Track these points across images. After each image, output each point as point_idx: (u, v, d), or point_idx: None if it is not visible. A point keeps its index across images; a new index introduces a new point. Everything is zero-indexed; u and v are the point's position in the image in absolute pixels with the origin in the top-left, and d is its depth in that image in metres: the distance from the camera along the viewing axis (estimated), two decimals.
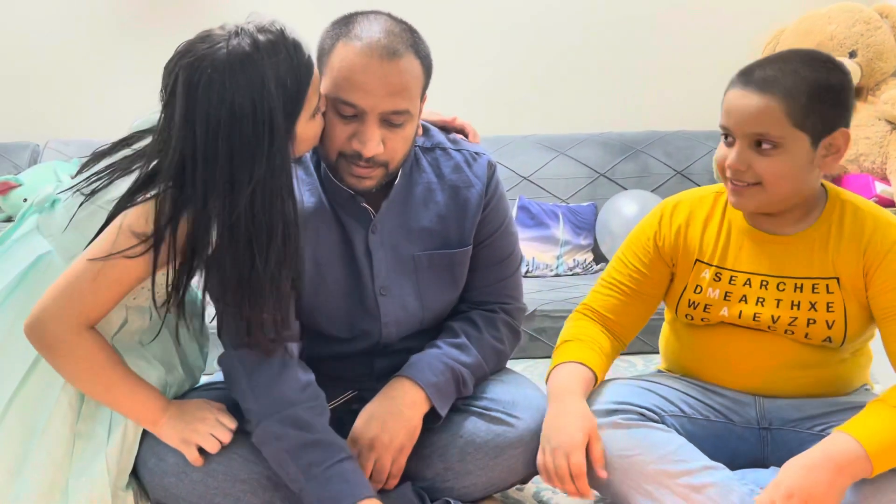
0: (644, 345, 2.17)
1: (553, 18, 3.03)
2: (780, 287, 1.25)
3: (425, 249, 1.30)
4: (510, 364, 1.45)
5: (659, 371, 1.45)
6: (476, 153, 1.34)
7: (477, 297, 1.37)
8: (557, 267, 2.73)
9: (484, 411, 1.29)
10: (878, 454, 1.09)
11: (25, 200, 2.48)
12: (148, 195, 1.09)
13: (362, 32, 1.15)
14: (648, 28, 3.04)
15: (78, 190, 1.15)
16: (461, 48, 3.00)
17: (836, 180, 2.74)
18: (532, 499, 1.46)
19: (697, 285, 1.30)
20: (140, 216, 1.08)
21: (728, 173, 1.20)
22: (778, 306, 1.25)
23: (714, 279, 1.28)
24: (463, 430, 1.26)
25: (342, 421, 1.36)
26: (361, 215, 1.26)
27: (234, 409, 1.22)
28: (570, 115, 3.05)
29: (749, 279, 1.27)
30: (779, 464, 1.22)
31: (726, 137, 1.21)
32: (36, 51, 2.83)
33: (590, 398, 1.26)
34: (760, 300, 1.26)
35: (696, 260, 1.30)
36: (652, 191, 2.84)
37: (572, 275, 2.73)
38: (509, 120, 3.03)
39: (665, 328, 1.45)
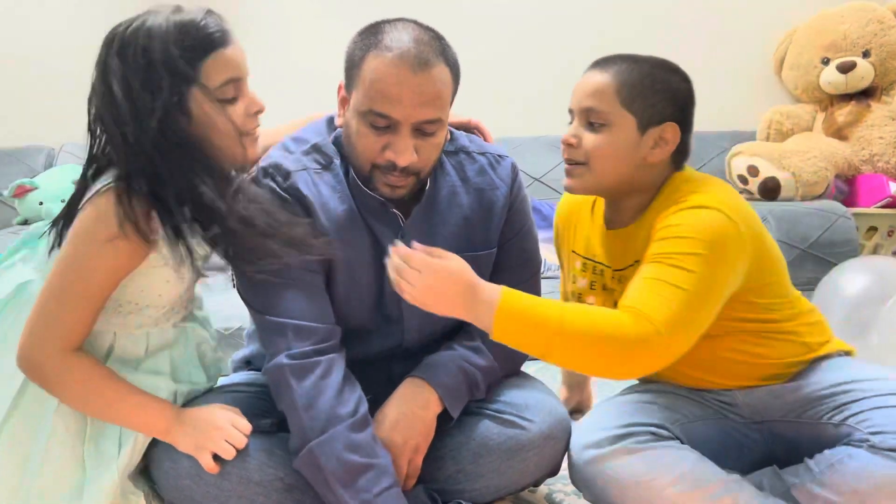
0: None
1: (565, 18, 3.03)
2: (622, 280, 1.28)
3: (453, 252, 1.29)
4: (524, 366, 1.45)
5: (639, 381, 1.42)
6: (500, 156, 1.35)
7: None
8: None
9: (497, 414, 1.29)
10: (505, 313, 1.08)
11: (41, 203, 2.51)
12: (88, 196, 1.10)
13: (392, 43, 1.15)
14: (661, 28, 3.03)
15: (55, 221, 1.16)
16: (473, 48, 2.99)
17: (851, 181, 2.73)
18: (544, 500, 1.46)
19: (573, 275, 1.38)
20: (89, 219, 1.09)
21: (563, 152, 1.26)
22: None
23: (582, 269, 1.36)
24: (476, 433, 1.27)
25: None
26: (391, 221, 1.26)
27: (247, 411, 1.23)
28: None
29: (603, 270, 1.33)
30: (787, 459, 1.23)
31: (570, 123, 1.28)
32: (51, 55, 2.86)
33: (594, 422, 1.24)
34: (616, 291, 1.29)
35: (571, 251, 1.40)
36: None
37: None
38: (521, 121, 3.03)
39: None
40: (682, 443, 1.21)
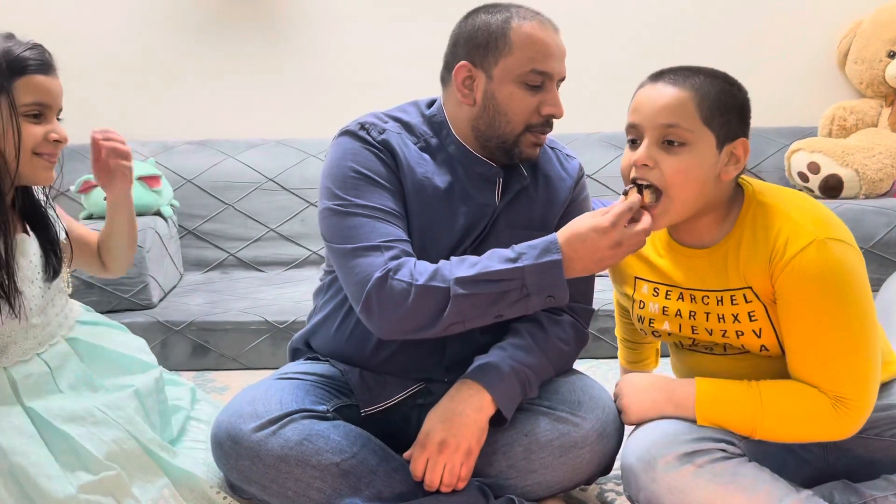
0: None
1: (619, 13, 2.99)
2: (705, 300, 1.24)
3: (509, 227, 1.34)
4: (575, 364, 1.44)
5: None
6: (569, 155, 1.44)
7: None
8: None
9: (549, 410, 1.29)
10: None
11: (105, 199, 2.59)
12: None
13: (527, 13, 1.30)
14: (719, 22, 2.97)
15: None
16: None
17: None
18: (596, 499, 1.45)
19: (641, 301, 1.32)
20: None
21: (633, 173, 1.19)
22: (707, 319, 1.24)
23: (653, 294, 1.30)
24: (528, 429, 1.27)
25: (408, 416, 1.39)
26: (489, 196, 1.33)
27: (304, 398, 1.25)
28: None
29: (681, 293, 1.27)
30: (848, 474, 1.21)
31: (633, 142, 1.21)
32: (115, 54, 2.95)
33: (659, 434, 1.19)
34: (692, 314, 1.25)
35: (635, 277, 1.33)
36: None
37: None
38: (573, 117, 2.99)
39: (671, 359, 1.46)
40: (749, 459, 1.18)
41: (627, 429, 1.30)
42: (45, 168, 1.20)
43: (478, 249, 1.30)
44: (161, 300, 2.41)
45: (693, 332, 1.26)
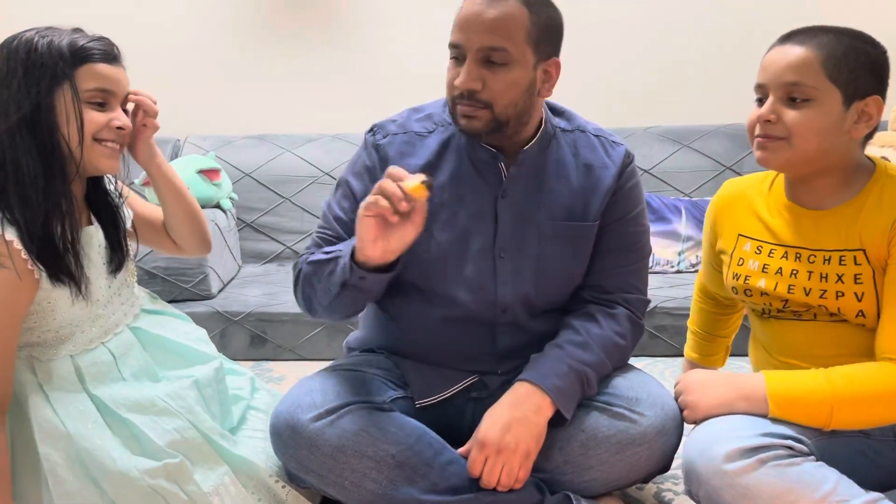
0: None
1: (677, 3, 2.93)
2: (811, 259, 1.23)
3: (550, 219, 1.32)
4: (630, 361, 1.42)
5: None
6: (615, 142, 1.39)
7: (599, 281, 1.36)
8: (679, 263, 2.65)
9: (607, 406, 1.27)
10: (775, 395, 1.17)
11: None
12: None
13: None
14: (783, 10, 2.89)
15: None
16: (581, 37, 2.95)
17: None
18: (653, 498, 1.43)
19: (740, 258, 1.32)
20: None
21: (757, 129, 1.22)
22: (809, 278, 1.23)
23: (755, 252, 1.30)
24: (585, 425, 1.26)
25: (463, 410, 1.39)
26: (496, 180, 1.31)
27: (361, 390, 1.27)
28: (695, 106, 2.95)
29: (786, 252, 1.27)
30: None
31: (760, 101, 1.24)
32: (177, 49, 3.02)
33: (723, 429, 1.16)
34: (794, 272, 1.25)
35: (739, 234, 1.33)
36: None
37: (694, 271, 2.64)
38: (630, 111, 2.96)
39: (750, 340, 1.42)
40: (817, 458, 1.15)
41: (687, 427, 1.28)
42: (107, 156, 1.21)
43: (507, 241, 1.31)
44: (220, 291, 2.46)
45: (789, 292, 1.25)
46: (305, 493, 1.30)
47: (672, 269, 2.64)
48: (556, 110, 1.40)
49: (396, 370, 1.39)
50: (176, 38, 3.02)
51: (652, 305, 2.29)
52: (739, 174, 2.76)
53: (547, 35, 1.23)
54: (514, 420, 1.21)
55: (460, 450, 1.27)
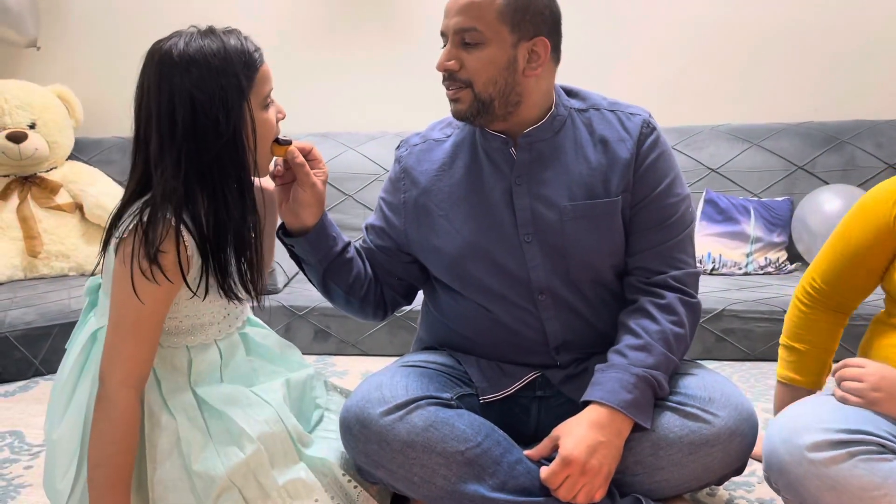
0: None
1: (743, 2, 2.85)
2: None
3: (572, 200, 1.31)
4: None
5: None
6: (632, 113, 1.36)
7: (644, 263, 1.33)
8: (747, 265, 2.58)
9: (679, 406, 1.25)
10: None
11: None
12: (128, 225, 1.12)
13: None
14: (859, 5, 2.79)
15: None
16: (650, 34, 2.91)
17: None
18: None
19: None
20: (133, 246, 1.10)
21: None
22: None
23: None
24: (656, 425, 1.24)
25: (527, 407, 1.39)
26: (509, 167, 1.33)
27: (430, 385, 1.28)
28: (764, 103, 2.87)
29: None
30: None
31: None
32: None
33: (812, 419, 1.13)
34: None
35: None
36: (858, 185, 2.61)
37: (763, 274, 2.57)
38: (697, 108, 2.90)
39: (875, 327, 1.33)
40: None
41: (760, 430, 1.25)
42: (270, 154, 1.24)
43: (529, 225, 1.32)
44: (285, 285, 2.50)
45: None
46: (375, 492, 1.30)
47: (739, 272, 2.58)
48: (571, 92, 1.40)
49: (460, 367, 1.40)
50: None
51: (719, 308, 2.25)
52: (812, 174, 2.68)
53: (525, 15, 1.26)
54: (600, 444, 1.20)
55: (528, 452, 1.26)
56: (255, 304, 1.25)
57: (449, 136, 1.42)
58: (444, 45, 1.30)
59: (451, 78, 1.29)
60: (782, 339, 1.46)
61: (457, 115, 1.32)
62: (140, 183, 1.16)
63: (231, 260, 1.17)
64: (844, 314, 1.41)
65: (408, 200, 1.41)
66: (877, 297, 1.39)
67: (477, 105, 1.28)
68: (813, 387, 1.42)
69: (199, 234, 1.14)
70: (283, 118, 1.25)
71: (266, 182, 1.31)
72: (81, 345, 1.23)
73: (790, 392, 1.41)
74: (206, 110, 1.11)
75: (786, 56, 2.85)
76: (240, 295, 1.20)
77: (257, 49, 1.20)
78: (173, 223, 1.11)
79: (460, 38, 1.27)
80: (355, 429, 1.24)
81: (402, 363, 1.39)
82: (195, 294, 1.17)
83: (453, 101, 1.30)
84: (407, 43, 2.99)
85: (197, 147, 1.12)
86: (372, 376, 1.34)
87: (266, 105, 1.21)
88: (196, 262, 1.16)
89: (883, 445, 1.09)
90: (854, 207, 1.35)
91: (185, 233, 1.13)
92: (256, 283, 1.22)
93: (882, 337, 1.29)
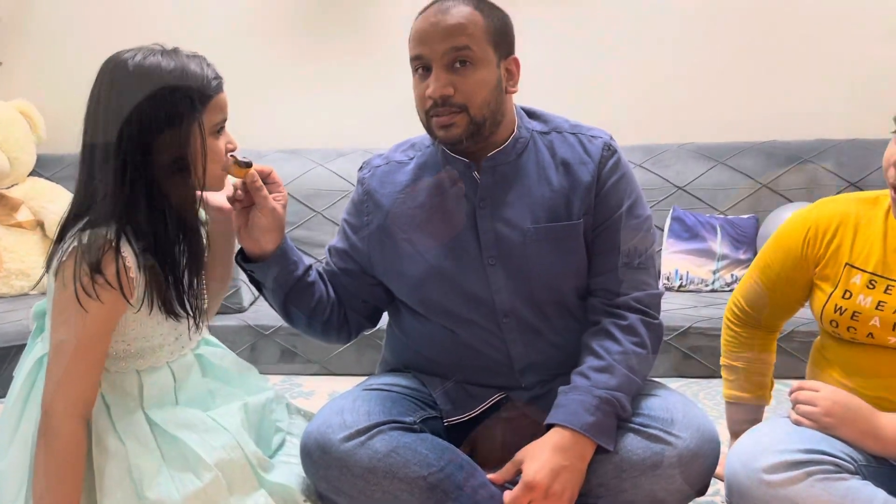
0: None
1: (712, 17, 2.90)
2: None
3: (535, 223, 1.31)
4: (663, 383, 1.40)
5: None
6: (593, 136, 1.36)
7: (606, 285, 1.33)
8: (713, 282, 2.61)
9: (641, 427, 1.25)
10: None
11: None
12: (70, 246, 1.10)
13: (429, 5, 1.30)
14: (821, 26, 2.85)
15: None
16: (618, 53, 2.94)
17: None
18: None
19: (847, 290, 1.24)
20: (74, 269, 1.08)
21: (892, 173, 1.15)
22: None
23: (867, 286, 1.23)
24: (619, 447, 1.23)
25: (492, 429, 1.38)
26: (472, 190, 1.32)
27: (392, 409, 1.26)
28: (730, 122, 2.91)
29: None
30: None
31: None
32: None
33: (769, 442, 1.15)
34: None
35: (847, 264, 1.25)
36: None
37: (730, 290, 2.59)
38: (664, 127, 2.93)
39: (814, 355, 1.37)
40: (863, 478, 1.12)
41: (723, 448, 1.25)
42: (220, 178, 1.23)
43: (493, 249, 1.31)
44: (251, 304, 2.47)
45: None
46: None
47: (706, 288, 2.60)
48: (532, 114, 1.40)
49: (424, 389, 1.39)
50: (209, 53, 3.06)
51: (686, 326, 2.27)
52: (776, 192, 2.72)
53: (502, 34, 1.28)
54: (563, 468, 1.20)
55: (492, 476, 1.25)
56: (196, 325, 1.24)
57: (412, 159, 1.41)
58: (419, 71, 1.28)
59: (445, 104, 1.25)
60: (722, 360, 1.49)
61: (448, 140, 1.28)
62: (84, 196, 1.15)
63: (170, 277, 1.16)
64: (771, 331, 1.46)
65: (371, 223, 1.40)
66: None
67: (471, 128, 1.26)
68: (759, 401, 1.45)
69: (142, 249, 1.13)
70: (233, 149, 1.23)
71: (223, 201, 1.29)
72: (27, 371, 1.19)
73: (739, 410, 1.43)
74: (153, 125, 1.10)
75: (749, 76, 2.90)
76: (178, 311, 1.18)
77: (217, 77, 1.19)
78: (114, 236, 1.10)
79: (451, 60, 1.24)
80: (315, 454, 1.22)
81: (364, 387, 1.37)
82: (139, 310, 1.15)
83: (445, 126, 1.26)
84: (377, 59, 2.99)
85: (141, 161, 1.11)
86: (333, 401, 1.32)
87: (217, 132, 1.19)
88: (141, 280, 1.14)
89: (839, 465, 1.10)
90: (773, 236, 1.38)
91: (125, 248, 1.11)
92: (195, 304, 1.21)
93: (821, 370, 1.32)
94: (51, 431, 1.10)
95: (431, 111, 1.26)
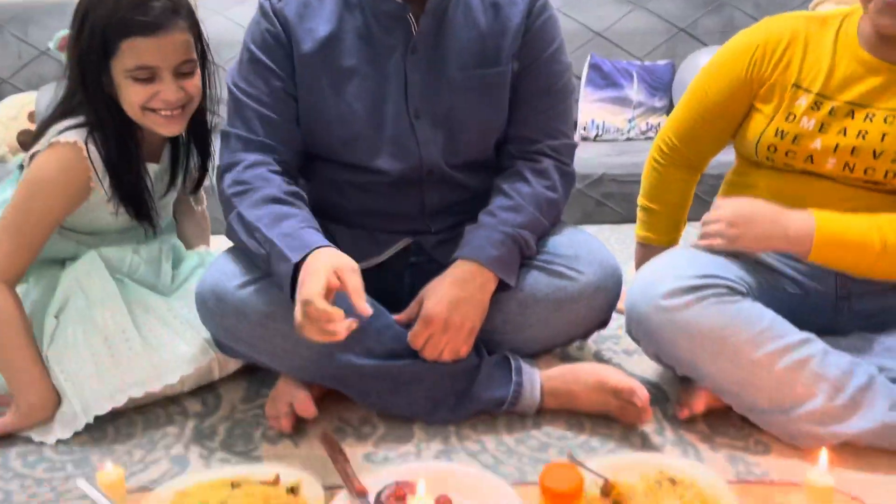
0: None
1: None
2: (888, 120, 1.15)
3: (461, 69, 1.24)
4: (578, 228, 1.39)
5: None
6: None
7: (522, 132, 1.30)
8: (629, 130, 2.60)
9: (545, 265, 1.25)
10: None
11: None
12: (53, 137, 1.23)
13: None
14: None
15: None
16: None
17: None
18: (592, 357, 1.44)
19: (790, 113, 1.22)
20: (51, 169, 1.23)
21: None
22: (882, 140, 1.15)
23: (812, 107, 1.21)
24: (524, 284, 1.23)
25: (401, 274, 1.36)
26: (405, 35, 1.22)
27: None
28: None
29: (852, 110, 1.17)
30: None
31: None
32: None
33: (665, 271, 1.16)
34: (862, 133, 1.16)
35: (794, 84, 1.22)
36: None
37: (645, 139, 2.59)
38: None
39: (727, 188, 1.36)
40: (754, 299, 1.15)
41: (625, 283, 1.27)
42: (161, 124, 1.25)
43: (418, 101, 1.23)
44: None
45: (852, 154, 1.17)
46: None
47: (622, 137, 2.59)
48: None
49: (329, 236, 1.34)
50: None
51: (599, 173, 2.26)
52: (693, 36, 2.67)
53: None
54: (461, 300, 1.19)
55: (397, 317, 1.24)
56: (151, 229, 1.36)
57: None
58: None
59: None
60: (639, 200, 1.48)
61: None
62: (67, 102, 1.26)
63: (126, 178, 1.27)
64: (696, 170, 1.44)
65: (296, 59, 1.24)
66: (725, 155, 1.41)
67: None
68: (669, 245, 1.46)
69: (105, 156, 1.25)
70: (165, 103, 1.23)
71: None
72: None
73: (648, 251, 1.44)
74: (88, 36, 1.18)
75: None
76: (129, 211, 1.30)
77: (139, 20, 1.17)
78: (83, 142, 1.22)
79: None
80: (210, 302, 1.19)
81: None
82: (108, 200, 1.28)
83: None
84: None
85: (87, 84, 1.22)
86: (230, 249, 1.27)
87: (140, 79, 1.21)
88: (105, 176, 1.26)
89: (732, 288, 1.13)
90: (711, 61, 1.34)
91: (90, 147, 1.23)
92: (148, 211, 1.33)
93: (735, 194, 1.31)
94: None
95: None
